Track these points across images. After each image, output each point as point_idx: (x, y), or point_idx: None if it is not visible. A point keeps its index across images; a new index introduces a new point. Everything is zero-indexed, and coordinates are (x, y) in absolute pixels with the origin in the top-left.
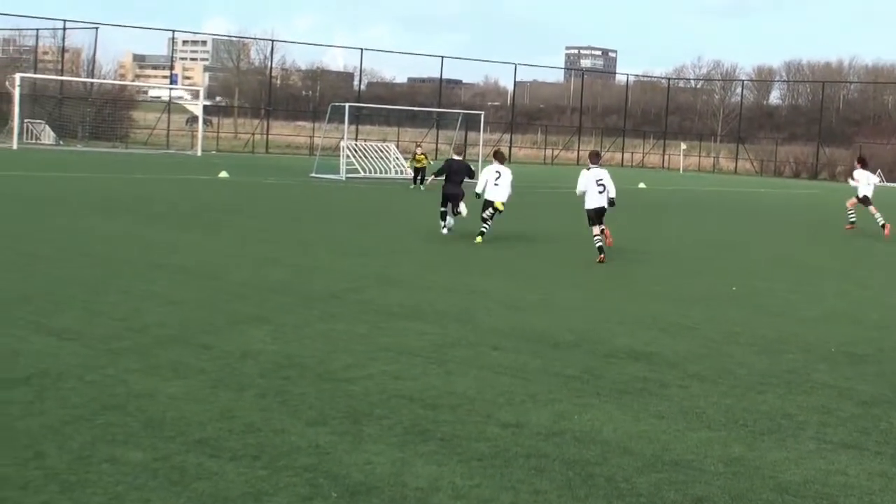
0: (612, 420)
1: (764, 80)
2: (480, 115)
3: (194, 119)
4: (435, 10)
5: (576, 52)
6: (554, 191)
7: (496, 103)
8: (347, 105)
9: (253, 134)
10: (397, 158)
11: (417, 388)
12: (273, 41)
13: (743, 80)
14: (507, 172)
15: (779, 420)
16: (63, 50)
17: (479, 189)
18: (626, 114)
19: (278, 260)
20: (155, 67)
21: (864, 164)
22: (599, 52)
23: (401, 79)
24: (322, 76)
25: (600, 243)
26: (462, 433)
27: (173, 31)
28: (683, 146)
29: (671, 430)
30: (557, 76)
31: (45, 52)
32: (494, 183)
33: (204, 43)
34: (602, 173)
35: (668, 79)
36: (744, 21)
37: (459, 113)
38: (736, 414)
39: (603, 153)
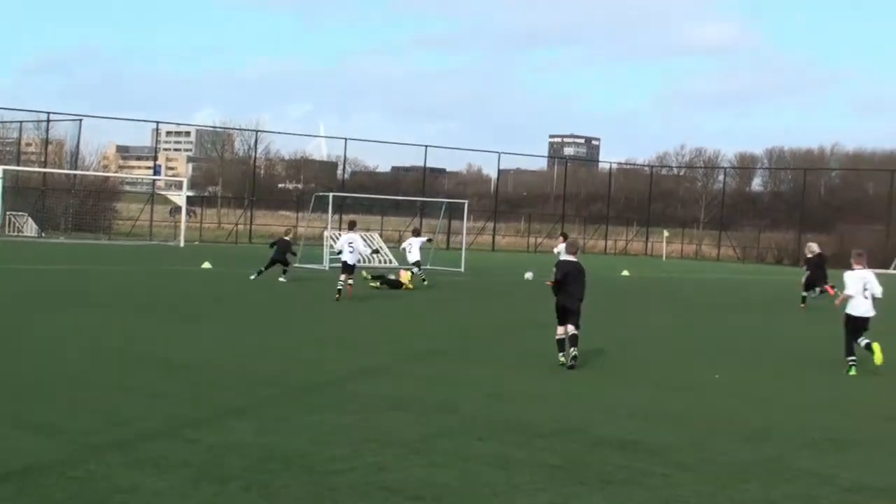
0: None
1: (746, 167)
2: (464, 203)
3: (177, 209)
4: (420, 100)
5: (559, 140)
6: (540, 279)
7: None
8: (331, 194)
9: (236, 224)
10: (381, 247)
11: (401, 479)
12: (257, 131)
13: (725, 168)
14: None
15: None
16: (47, 142)
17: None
18: (610, 201)
19: (263, 351)
20: (139, 158)
21: (566, 239)
22: (582, 140)
23: (384, 167)
24: (306, 165)
25: (341, 287)
26: None
27: (157, 122)
28: (666, 233)
29: None
30: (541, 164)
31: (29, 144)
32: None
33: (188, 134)
34: (355, 237)
35: (651, 166)
36: (725, 110)
37: (443, 202)
38: (720, 503)
39: (586, 240)
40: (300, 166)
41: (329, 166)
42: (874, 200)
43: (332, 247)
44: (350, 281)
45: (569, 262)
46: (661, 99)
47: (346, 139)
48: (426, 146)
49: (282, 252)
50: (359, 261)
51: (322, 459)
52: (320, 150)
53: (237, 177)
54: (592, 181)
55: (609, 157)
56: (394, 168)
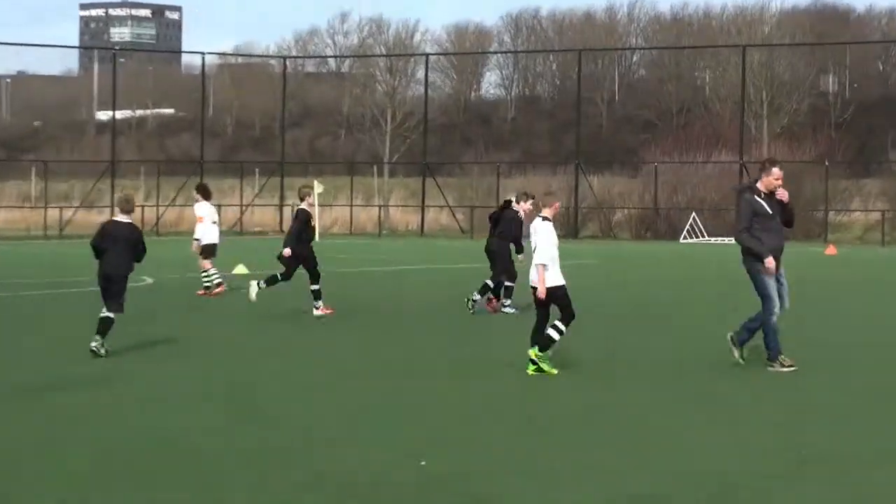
0: None
1: None
2: None
3: None
4: None
5: (101, 13)
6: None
7: None
8: None
9: None
10: None
11: None
12: None
13: None
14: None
15: None
16: None
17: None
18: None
19: None
20: None
21: (206, 195)
22: (148, 13)
23: None
24: None
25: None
26: None
27: None
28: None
29: None
30: (72, 64)
31: None
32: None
33: None
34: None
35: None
36: None
37: None
38: None
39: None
40: None
41: None
42: None
43: None
44: None
45: (113, 223)
46: None
47: None
48: None
49: None
50: None
51: None
52: None
53: None
54: (177, 89)
55: (198, 45)
56: None
